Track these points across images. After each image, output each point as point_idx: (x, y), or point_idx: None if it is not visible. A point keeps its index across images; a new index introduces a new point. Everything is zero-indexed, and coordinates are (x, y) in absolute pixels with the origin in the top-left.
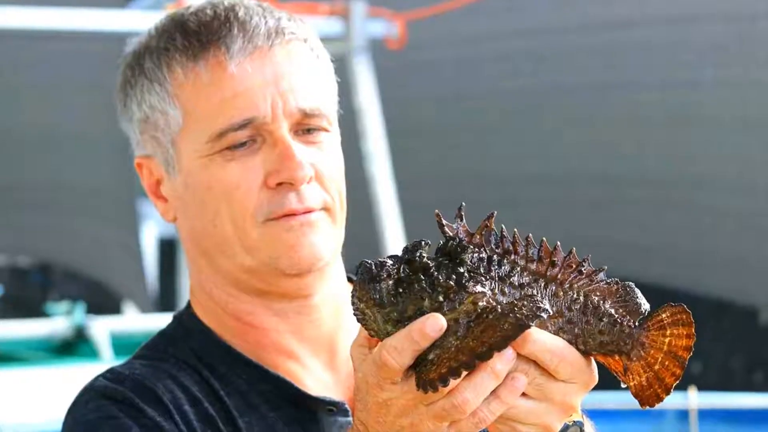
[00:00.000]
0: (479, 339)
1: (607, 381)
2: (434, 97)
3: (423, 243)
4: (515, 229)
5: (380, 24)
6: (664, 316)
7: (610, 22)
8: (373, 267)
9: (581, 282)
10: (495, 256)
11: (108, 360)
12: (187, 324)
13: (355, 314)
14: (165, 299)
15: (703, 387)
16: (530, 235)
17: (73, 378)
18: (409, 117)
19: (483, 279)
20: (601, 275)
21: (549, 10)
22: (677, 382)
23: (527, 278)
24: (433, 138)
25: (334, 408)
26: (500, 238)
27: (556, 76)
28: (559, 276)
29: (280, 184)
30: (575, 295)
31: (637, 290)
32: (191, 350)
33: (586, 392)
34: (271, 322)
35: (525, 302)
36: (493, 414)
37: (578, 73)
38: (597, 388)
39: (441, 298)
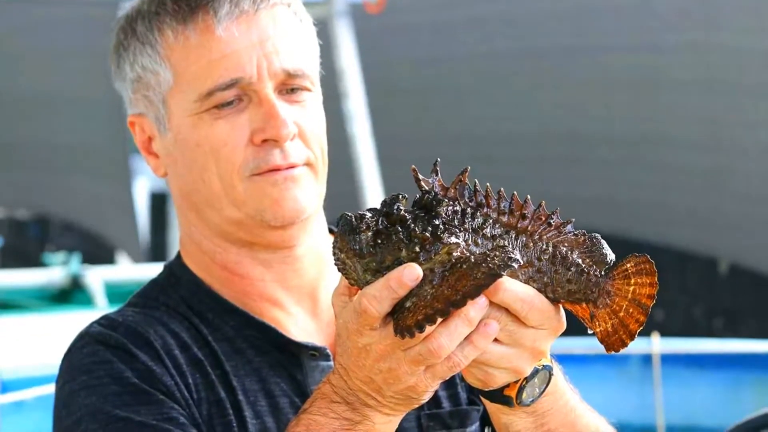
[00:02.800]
0: (454, 287)
1: (575, 327)
2: (411, 59)
3: (400, 196)
4: (488, 184)
5: None
6: (628, 265)
7: None
8: (354, 219)
9: (550, 233)
10: (468, 209)
11: (102, 307)
12: (177, 273)
13: (336, 264)
14: (156, 250)
15: (665, 333)
16: (502, 189)
17: (69, 324)
18: (387, 78)
19: (457, 231)
20: (569, 227)
21: None
22: (641, 328)
23: (499, 230)
24: (410, 98)
25: (316, 353)
26: (473, 192)
27: (527, 39)
28: (529, 228)
29: (265, 141)
30: (544, 246)
31: (603, 241)
32: (181, 298)
33: (554, 338)
34: (257, 272)
35: (497, 253)
36: (466, 358)
37: (549, 37)
38: (565, 334)
39: (417, 249)
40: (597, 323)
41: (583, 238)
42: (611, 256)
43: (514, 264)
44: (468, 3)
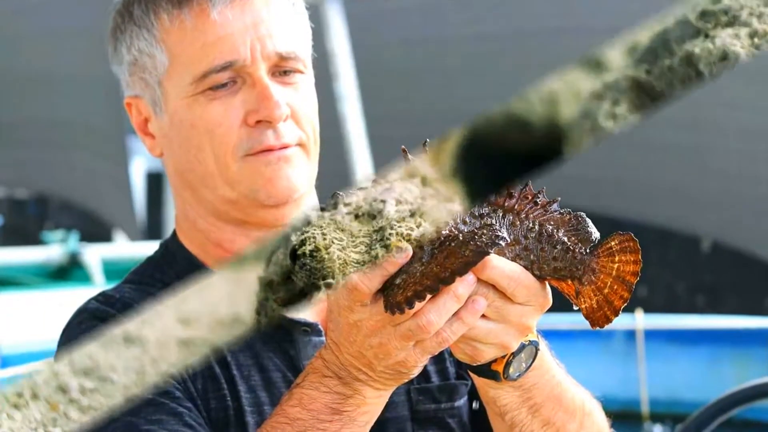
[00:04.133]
0: (442, 265)
1: (561, 304)
2: (401, 41)
3: None
4: None
5: None
6: (613, 243)
7: None
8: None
9: (536, 212)
10: None
11: (100, 284)
12: (173, 251)
13: None
14: (152, 228)
15: (649, 309)
16: None
17: (67, 301)
18: (377, 60)
19: None
20: (555, 206)
21: None
22: (625, 304)
23: (486, 209)
24: (400, 79)
25: (308, 328)
26: None
27: (515, 21)
28: (516, 207)
29: (258, 122)
30: (531, 225)
31: (588, 220)
32: (176, 275)
33: (541, 314)
34: None
35: (484, 231)
36: (455, 334)
37: (535, 20)
38: (551, 310)
39: None
40: (582, 300)
41: (568, 216)
42: (596, 234)
43: (501, 242)
44: None
